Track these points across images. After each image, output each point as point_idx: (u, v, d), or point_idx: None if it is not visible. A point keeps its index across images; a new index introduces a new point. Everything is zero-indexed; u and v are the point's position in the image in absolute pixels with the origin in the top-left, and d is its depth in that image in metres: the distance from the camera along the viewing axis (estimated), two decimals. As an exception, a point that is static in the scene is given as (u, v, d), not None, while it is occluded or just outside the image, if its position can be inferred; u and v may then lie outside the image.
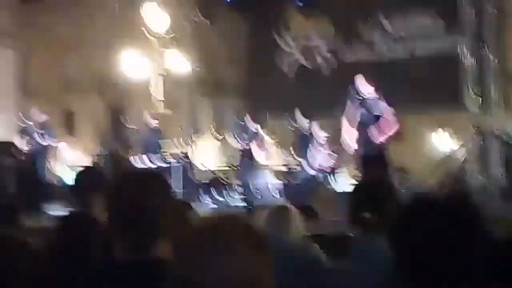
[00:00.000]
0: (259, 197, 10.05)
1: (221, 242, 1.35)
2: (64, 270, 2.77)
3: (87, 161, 17.11)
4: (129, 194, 2.01)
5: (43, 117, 13.10)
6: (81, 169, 4.04)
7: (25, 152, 12.96)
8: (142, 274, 1.94)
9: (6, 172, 12.28)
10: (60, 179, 14.27)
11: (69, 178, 16.36)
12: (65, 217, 3.06)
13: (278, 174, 16.03)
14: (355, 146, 9.78)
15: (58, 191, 13.39)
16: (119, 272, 1.99)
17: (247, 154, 13.56)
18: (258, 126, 13.66)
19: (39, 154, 12.80)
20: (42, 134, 12.87)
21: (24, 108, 32.05)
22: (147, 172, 2.26)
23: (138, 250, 1.98)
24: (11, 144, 13.97)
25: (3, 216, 3.79)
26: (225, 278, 1.32)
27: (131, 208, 1.99)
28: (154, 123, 14.40)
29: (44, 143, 12.75)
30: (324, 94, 14.98)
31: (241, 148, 13.76)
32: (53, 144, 12.86)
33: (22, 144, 13.17)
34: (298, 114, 13.20)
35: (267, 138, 13.90)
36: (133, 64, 17.44)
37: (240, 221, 1.42)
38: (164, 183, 2.12)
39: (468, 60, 13.36)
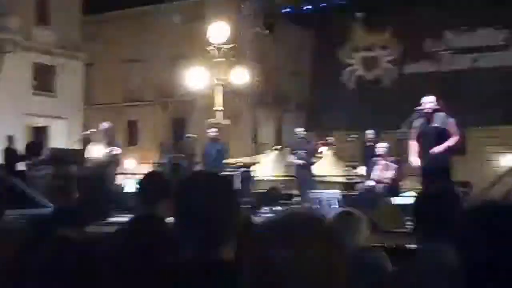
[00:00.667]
0: (318, 207, 10.06)
1: (296, 239, 1.38)
2: (133, 272, 2.85)
3: (148, 169, 17.43)
4: (198, 196, 2.04)
5: (107, 126, 13.37)
6: (146, 175, 4.15)
7: (91, 159, 13.26)
8: (210, 275, 1.97)
9: (73, 180, 12.60)
10: (123, 187, 14.56)
11: (131, 186, 16.73)
12: (132, 220, 3.15)
13: (337, 185, 16.01)
14: (416, 158, 9.72)
15: (123, 198, 13.70)
16: (188, 273, 2.02)
17: (306, 165, 13.66)
18: (317, 138, 13.73)
19: (105, 162, 13.08)
20: (107, 142, 13.16)
21: (89, 117, 32.93)
22: (214, 174, 2.30)
23: (207, 251, 2.01)
24: (78, 152, 14.36)
25: (71, 222, 3.91)
26: (300, 274, 1.34)
27: (199, 210, 2.02)
28: (213, 132, 14.57)
29: (109, 151, 13.03)
30: (384, 105, 14.90)
31: (301, 158, 13.88)
32: (117, 152, 13.11)
33: (88, 152, 13.49)
34: (358, 125, 13.22)
35: (326, 149, 13.93)
36: (194, 75, 17.66)
37: (313, 218, 1.45)
38: (231, 186, 2.17)
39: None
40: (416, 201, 2.93)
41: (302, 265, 1.36)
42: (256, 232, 1.48)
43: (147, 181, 3.94)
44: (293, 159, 14.15)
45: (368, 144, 13.16)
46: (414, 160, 9.83)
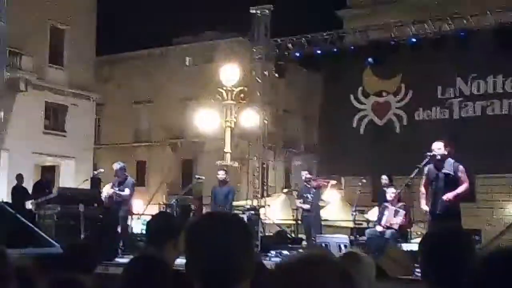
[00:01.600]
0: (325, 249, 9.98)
1: (315, 280, 1.37)
2: None
3: (156, 210, 17.39)
4: (213, 237, 1.98)
5: (120, 165, 13.40)
6: (153, 215, 4.15)
7: (104, 200, 13.26)
8: None
9: (80, 219, 12.58)
10: (131, 227, 14.52)
11: (139, 226, 16.69)
12: (138, 260, 3.12)
13: (345, 229, 15.91)
14: (425, 203, 9.69)
15: (130, 239, 13.66)
16: None
17: (313, 209, 13.61)
18: (325, 182, 13.72)
19: (116, 203, 13.07)
20: (119, 182, 13.16)
21: (99, 157, 33.05)
22: (229, 215, 2.22)
23: None
24: (86, 191, 14.37)
25: (82, 262, 3.89)
26: None
27: (214, 251, 1.96)
28: (222, 175, 14.56)
29: (121, 192, 13.02)
30: (395, 151, 14.88)
31: (308, 203, 13.85)
32: (128, 193, 13.10)
33: (102, 193, 13.52)
34: (368, 171, 13.26)
35: (335, 193, 13.90)
36: (203, 117, 17.75)
37: (330, 260, 1.43)
38: (247, 228, 2.10)
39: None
40: (426, 242, 2.73)
41: None
42: (270, 276, 1.47)
43: (154, 222, 3.94)
44: (300, 203, 14.11)
45: (382, 189, 13.12)
46: (424, 206, 9.80)
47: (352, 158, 16.14)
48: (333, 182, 14.20)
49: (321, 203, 13.83)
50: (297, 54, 17.05)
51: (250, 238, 2.05)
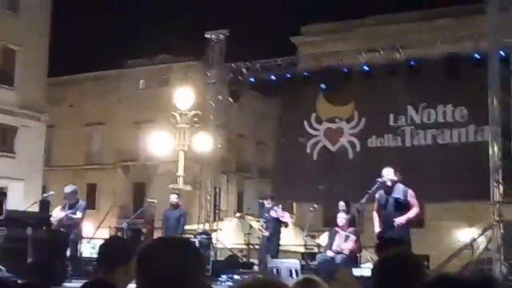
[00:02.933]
0: (277, 276, 9.98)
1: None
2: None
3: (107, 234, 17.16)
4: (165, 261, 1.99)
5: (71, 189, 13.21)
6: (105, 240, 4.11)
7: (53, 223, 13.02)
8: None
9: (28, 243, 12.31)
10: (81, 251, 14.27)
11: (89, 250, 16.40)
12: (90, 285, 3.09)
13: (296, 254, 15.95)
14: (379, 226, 9.81)
15: (79, 263, 13.42)
16: None
17: (266, 234, 13.64)
18: (278, 208, 13.75)
19: (66, 226, 12.85)
20: (69, 206, 12.96)
21: (49, 179, 32.44)
22: (181, 240, 2.21)
23: None
24: (34, 214, 14.08)
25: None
26: None
27: (165, 275, 1.96)
28: (174, 199, 14.49)
29: (72, 215, 12.81)
30: (347, 177, 15.06)
31: (261, 228, 13.88)
32: (78, 216, 12.90)
33: (52, 215, 13.28)
34: (321, 196, 13.39)
35: (287, 219, 13.94)
36: (156, 140, 17.66)
37: (276, 284, 1.45)
38: (198, 252, 2.11)
39: (492, 149, 13.43)
40: (379, 267, 2.76)
41: None
42: None
43: (105, 247, 3.90)
44: (261, 228, 14.07)
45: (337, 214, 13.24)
46: (377, 229, 9.91)
47: (307, 183, 16.26)
48: (290, 219, 14.21)
49: (281, 229, 13.85)
50: (251, 79, 17.17)
51: (201, 263, 2.05)
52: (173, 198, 14.55)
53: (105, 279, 3.46)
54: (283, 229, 14.05)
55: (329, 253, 12.12)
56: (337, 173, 15.86)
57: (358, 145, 16.12)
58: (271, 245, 13.72)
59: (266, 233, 13.73)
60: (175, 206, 14.48)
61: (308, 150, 16.74)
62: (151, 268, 2.01)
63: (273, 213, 13.64)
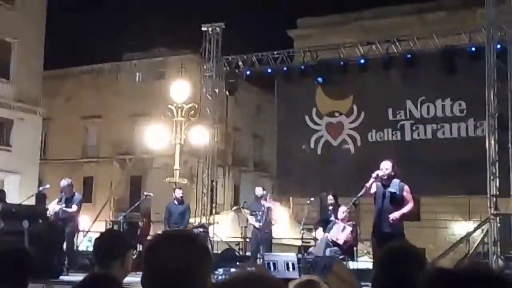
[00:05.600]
0: (273, 269, 9.99)
1: None
2: None
3: (103, 227, 17.15)
4: (172, 255, 1.99)
5: (67, 182, 13.20)
6: (101, 233, 4.10)
7: (49, 216, 13.02)
8: None
9: (24, 236, 12.28)
10: (77, 245, 14.28)
11: (85, 243, 16.41)
12: (90, 279, 3.06)
13: (293, 247, 15.97)
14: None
15: (76, 256, 13.43)
16: None
17: (262, 227, 13.63)
18: (273, 201, 13.76)
19: (62, 219, 12.85)
20: (65, 199, 12.96)
21: (45, 172, 32.42)
22: (191, 235, 2.18)
23: None
24: (31, 207, 14.06)
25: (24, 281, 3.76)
26: None
27: (172, 269, 1.96)
28: (179, 193, 14.57)
29: (68, 208, 12.81)
30: (348, 171, 15.06)
31: (257, 221, 13.87)
32: (74, 210, 12.89)
33: (48, 209, 13.28)
34: (321, 190, 13.44)
35: (283, 212, 13.95)
36: (153, 133, 17.66)
37: (264, 277, 1.45)
38: (206, 247, 2.11)
39: (489, 143, 13.45)
40: (381, 260, 2.74)
41: None
42: None
43: (101, 241, 3.89)
44: (252, 221, 14.09)
45: (329, 207, 13.28)
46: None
47: (312, 179, 16.27)
48: (279, 211, 14.23)
49: (273, 222, 13.85)
50: (248, 72, 17.14)
51: (209, 259, 2.05)
52: (179, 193, 14.66)
53: (105, 273, 3.44)
54: (280, 222, 14.06)
55: (326, 246, 12.14)
56: (339, 167, 15.88)
57: (359, 139, 16.14)
58: (264, 237, 13.70)
59: (258, 225, 13.73)
60: (180, 200, 14.55)
61: (312, 145, 16.75)
62: (158, 262, 2.00)
63: (264, 203, 13.66)
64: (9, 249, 3.78)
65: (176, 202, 14.57)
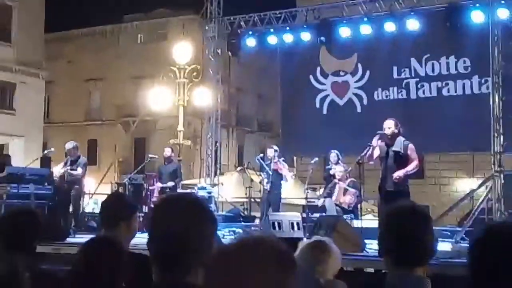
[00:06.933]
0: (278, 229, 10.06)
1: (252, 264, 1.39)
2: None
3: (109, 189, 17.25)
4: (176, 218, 2.00)
5: (72, 145, 13.24)
6: (107, 196, 4.13)
7: (55, 179, 13.11)
8: None
9: (34, 200, 12.41)
10: (83, 207, 14.40)
11: (90, 206, 16.53)
12: (94, 242, 3.09)
13: (298, 207, 16.05)
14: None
15: (82, 218, 13.56)
16: None
17: (271, 188, 13.65)
18: (280, 160, 13.75)
19: (68, 182, 12.93)
20: (72, 162, 13.00)
21: (49, 135, 32.50)
22: (196, 199, 2.18)
23: (178, 274, 1.98)
24: (36, 171, 14.15)
25: (33, 243, 3.80)
26: None
27: (177, 232, 1.98)
28: (167, 152, 14.56)
29: (73, 171, 12.87)
30: (355, 130, 15.04)
31: (262, 181, 13.91)
32: (79, 172, 12.95)
33: (53, 172, 13.37)
34: (327, 149, 13.48)
35: (287, 172, 13.98)
36: (156, 95, 17.61)
37: (266, 241, 1.46)
38: (209, 210, 2.11)
39: (493, 100, 13.41)
40: (386, 219, 2.70)
41: None
42: (213, 257, 1.50)
43: (107, 204, 3.92)
44: (262, 182, 14.06)
45: (329, 166, 13.30)
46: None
47: (317, 138, 16.25)
48: (289, 172, 14.21)
49: (282, 182, 13.88)
50: (250, 32, 17.01)
51: (212, 221, 2.06)
52: (166, 152, 14.62)
53: (109, 236, 3.47)
54: (284, 183, 14.07)
55: (330, 205, 12.21)
56: (345, 126, 15.86)
57: (365, 98, 16.10)
58: (273, 198, 13.76)
59: (267, 186, 13.75)
60: (168, 159, 14.53)
61: (318, 105, 16.71)
62: (163, 226, 2.02)
63: (273, 165, 13.64)
64: (17, 212, 3.81)
65: (165, 162, 14.58)
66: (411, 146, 9.69)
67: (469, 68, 14.93)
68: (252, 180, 17.36)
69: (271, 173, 13.54)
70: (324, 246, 4.02)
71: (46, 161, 17.59)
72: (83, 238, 10.46)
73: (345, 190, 12.44)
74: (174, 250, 1.96)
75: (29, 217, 3.72)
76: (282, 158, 14.07)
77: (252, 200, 17.24)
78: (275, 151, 13.83)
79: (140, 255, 3.29)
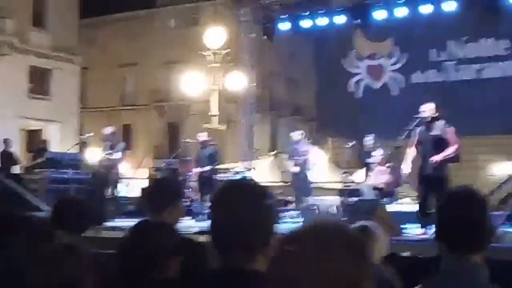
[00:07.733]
0: (316, 212, 10.05)
1: (322, 249, 1.37)
2: (140, 277, 2.78)
3: (146, 174, 17.41)
4: (239, 205, 1.99)
5: (111, 130, 13.34)
6: (154, 181, 4.17)
7: (93, 164, 13.26)
8: (234, 284, 1.94)
9: (70, 184, 12.58)
10: (119, 191, 14.54)
11: (126, 190, 16.69)
12: (144, 223, 3.08)
13: (333, 191, 16.00)
14: (408, 165, 9.75)
15: (118, 203, 13.70)
16: (214, 281, 2.01)
17: (301, 171, 13.60)
18: (307, 142, 13.67)
19: (106, 167, 13.04)
20: (110, 147, 13.10)
21: (84, 121, 32.84)
22: (257, 186, 2.17)
23: (241, 261, 1.97)
24: (75, 156, 14.33)
25: (72, 226, 3.91)
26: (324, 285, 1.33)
27: (239, 219, 1.97)
28: (202, 137, 14.46)
29: (112, 156, 12.97)
30: (390, 113, 14.90)
31: (296, 165, 13.83)
32: (117, 157, 13.05)
33: (92, 156, 13.52)
34: (362, 133, 13.38)
35: (322, 155, 13.93)
36: (189, 80, 17.66)
37: (340, 230, 1.42)
38: (269, 194, 2.10)
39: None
40: (442, 204, 2.65)
41: (330, 279, 1.34)
42: (277, 247, 1.45)
43: (153, 188, 3.95)
44: (290, 166, 14.00)
45: (366, 150, 13.19)
46: (405, 167, 9.85)
47: (352, 122, 16.17)
48: (317, 158, 14.10)
49: (311, 166, 13.77)
50: (284, 16, 16.92)
51: (275, 211, 2.05)
52: (200, 136, 14.52)
53: (159, 219, 3.49)
54: (318, 166, 13.98)
55: (367, 189, 12.15)
56: (381, 110, 15.74)
57: (403, 81, 15.95)
58: (301, 183, 13.63)
59: (296, 170, 13.64)
60: (204, 144, 14.45)
61: (352, 89, 16.61)
62: (227, 213, 2.01)
63: (300, 147, 13.53)
64: (71, 199, 3.93)
65: (201, 147, 14.50)
66: (451, 129, 9.55)
67: (509, 50, 14.67)
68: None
69: (299, 157, 13.47)
70: (369, 231, 3.99)
71: (84, 146, 17.81)
72: (122, 222, 10.59)
73: (382, 172, 12.37)
74: (238, 237, 1.96)
75: (81, 202, 3.89)
76: (310, 141, 13.96)
77: (288, 184, 17.22)
78: (302, 134, 13.77)
79: (190, 240, 3.31)
